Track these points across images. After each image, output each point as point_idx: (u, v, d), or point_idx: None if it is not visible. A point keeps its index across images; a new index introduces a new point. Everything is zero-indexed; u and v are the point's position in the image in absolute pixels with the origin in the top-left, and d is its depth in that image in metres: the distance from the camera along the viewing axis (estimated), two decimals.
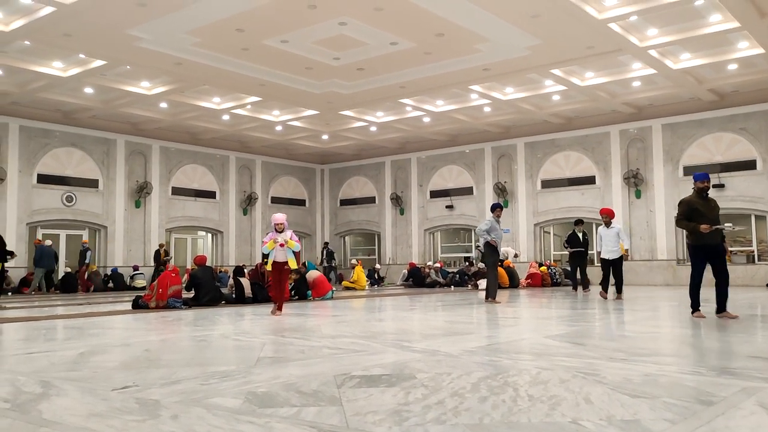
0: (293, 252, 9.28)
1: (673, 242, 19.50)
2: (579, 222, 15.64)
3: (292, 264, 9.24)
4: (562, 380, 3.82)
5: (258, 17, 12.71)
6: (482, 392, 3.52)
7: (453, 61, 15.39)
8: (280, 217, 9.34)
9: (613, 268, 12.19)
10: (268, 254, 9.33)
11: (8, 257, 13.46)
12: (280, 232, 9.19)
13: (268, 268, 9.33)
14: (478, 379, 3.88)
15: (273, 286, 9.60)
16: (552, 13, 12.43)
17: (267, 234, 9.34)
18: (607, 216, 12.40)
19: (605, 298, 11.94)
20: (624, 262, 12.41)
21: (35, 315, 10.05)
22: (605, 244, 12.16)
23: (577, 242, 15.08)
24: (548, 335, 6.30)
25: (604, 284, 12.29)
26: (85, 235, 20.77)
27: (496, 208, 11.78)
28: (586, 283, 15.22)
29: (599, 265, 12.93)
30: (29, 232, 19.32)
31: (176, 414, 3.11)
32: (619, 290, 12.27)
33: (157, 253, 20.36)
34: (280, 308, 9.30)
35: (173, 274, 11.08)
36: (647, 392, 3.45)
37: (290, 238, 9.17)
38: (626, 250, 12.15)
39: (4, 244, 13.08)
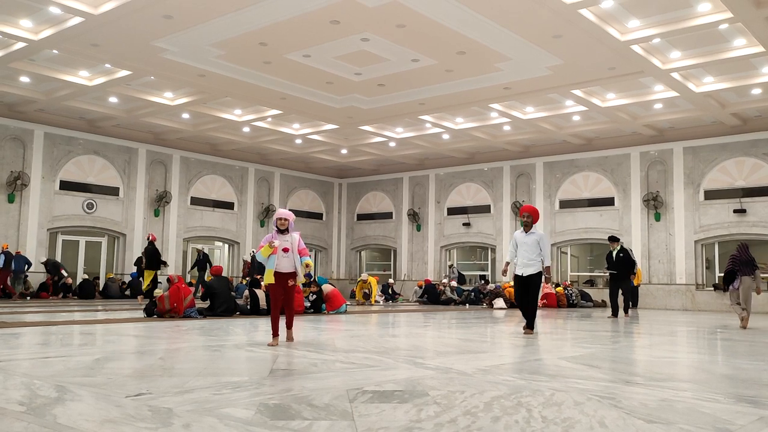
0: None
1: (692, 266, 19.27)
2: (612, 239, 14.09)
3: (302, 276, 6.94)
4: (576, 402, 3.78)
5: (281, 31, 12.85)
6: (495, 412, 3.50)
7: (474, 79, 15.42)
8: (283, 212, 6.99)
9: (528, 288, 8.77)
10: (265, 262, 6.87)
11: (162, 266, 16.33)
12: (283, 232, 6.86)
13: (266, 281, 6.84)
14: (492, 399, 3.86)
15: (273, 305, 6.99)
16: (574, 34, 12.43)
17: (265, 237, 6.89)
18: (529, 216, 8.83)
19: (525, 330, 8.81)
20: (543, 283, 9.05)
21: (53, 320, 10.15)
22: (521, 254, 8.77)
23: (611, 263, 13.72)
24: (563, 356, 6.24)
25: (522, 310, 8.98)
26: (104, 242, 20.99)
27: None
28: (625, 308, 14.12)
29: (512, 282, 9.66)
30: (50, 237, 19.56)
31: (188, 423, 3.12)
32: (530, 323, 8.83)
33: (139, 260, 20.21)
34: (289, 336, 7.04)
35: (182, 285, 11.11)
36: (663, 418, 3.41)
37: (298, 245, 6.87)
38: (548, 268, 8.75)
39: (159, 254, 16.16)
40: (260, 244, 6.79)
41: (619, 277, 13.61)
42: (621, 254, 13.67)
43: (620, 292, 13.74)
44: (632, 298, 18.54)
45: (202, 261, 21.39)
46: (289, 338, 7.08)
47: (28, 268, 18.02)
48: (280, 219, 6.87)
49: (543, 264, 8.67)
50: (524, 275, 8.71)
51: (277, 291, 6.90)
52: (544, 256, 8.66)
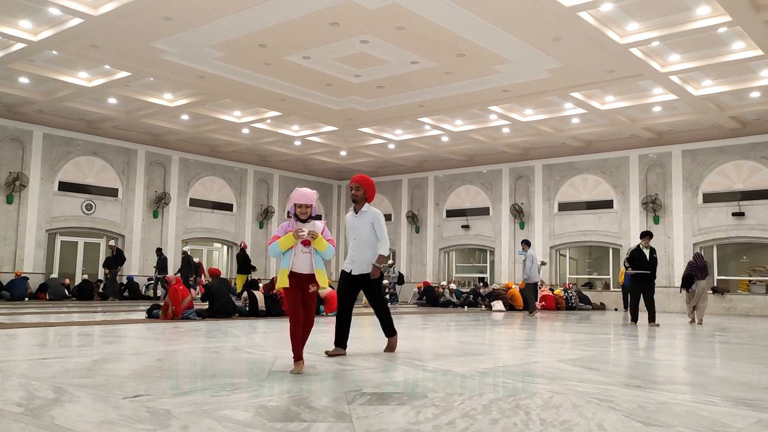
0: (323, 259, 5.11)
1: None
2: (646, 234, 12.54)
3: (323, 280, 5.03)
4: (575, 405, 3.78)
5: (281, 33, 12.86)
6: (493, 414, 3.50)
7: (473, 81, 15.43)
8: (303, 193, 5.09)
9: (365, 291, 6.27)
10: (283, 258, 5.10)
11: (253, 270, 18.33)
12: (305, 221, 5.07)
13: (281, 284, 5.01)
14: (490, 401, 3.85)
15: (291, 317, 5.07)
16: (573, 36, 12.45)
17: (280, 225, 5.20)
18: (359, 187, 6.17)
19: (332, 355, 5.97)
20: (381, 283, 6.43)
21: (51, 321, 10.14)
22: (351, 242, 6.24)
23: (642, 261, 12.11)
24: (562, 359, 6.24)
25: (338, 329, 6.08)
26: (102, 243, 20.96)
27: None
28: (652, 315, 11.89)
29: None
30: (48, 238, 19.54)
31: (186, 424, 3.12)
32: (389, 330, 6.46)
33: (108, 260, 19.65)
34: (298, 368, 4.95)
35: (180, 287, 11.09)
36: (661, 421, 3.41)
37: (322, 234, 5.03)
38: (381, 257, 6.09)
39: (249, 260, 18.47)
40: (275, 234, 5.12)
41: (648, 279, 12.10)
42: (654, 255, 12.30)
43: (643, 297, 12.10)
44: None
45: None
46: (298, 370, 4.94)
47: (27, 291, 17.68)
48: (301, 206, 5.04)
49: (378, 252, 6.11)
50: (353, 273, 6.16)
51: (295, 296, 5.03)
52: (379, 241, 6.11)
